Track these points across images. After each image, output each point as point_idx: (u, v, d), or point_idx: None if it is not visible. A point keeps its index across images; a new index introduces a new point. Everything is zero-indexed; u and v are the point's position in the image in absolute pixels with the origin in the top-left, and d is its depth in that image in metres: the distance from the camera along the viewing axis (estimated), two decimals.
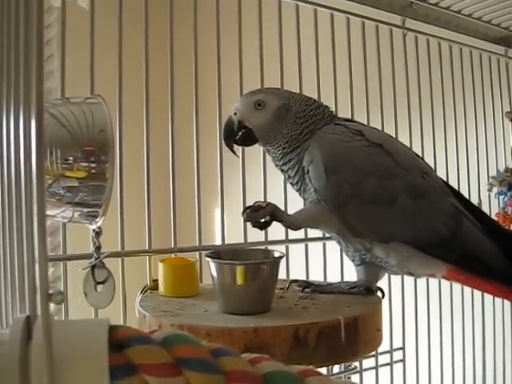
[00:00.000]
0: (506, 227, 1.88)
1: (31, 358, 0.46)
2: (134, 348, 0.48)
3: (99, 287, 1.16)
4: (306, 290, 1.24)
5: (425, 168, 1.24)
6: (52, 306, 0.48)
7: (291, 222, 1.23)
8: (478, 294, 1.81)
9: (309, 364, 0.92)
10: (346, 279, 1.59)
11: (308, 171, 1.19)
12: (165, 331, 0.52)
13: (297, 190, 1.26)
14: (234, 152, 1.30)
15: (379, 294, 1.26)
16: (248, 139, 1.26)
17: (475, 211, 1.24)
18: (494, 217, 1.88)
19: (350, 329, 1.02)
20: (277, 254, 1.15)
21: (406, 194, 1.16)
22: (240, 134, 1.25)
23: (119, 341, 0.49)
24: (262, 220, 1.21)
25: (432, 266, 1.19)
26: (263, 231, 1.47)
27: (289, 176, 1.25)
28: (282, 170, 1.26)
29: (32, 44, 0.53)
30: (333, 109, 1.33)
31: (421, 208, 1.16)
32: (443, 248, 1.16)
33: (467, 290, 1.80)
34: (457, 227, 1.17)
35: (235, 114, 1.25)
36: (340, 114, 1.35)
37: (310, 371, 0.57)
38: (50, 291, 0.48)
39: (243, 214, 1.22)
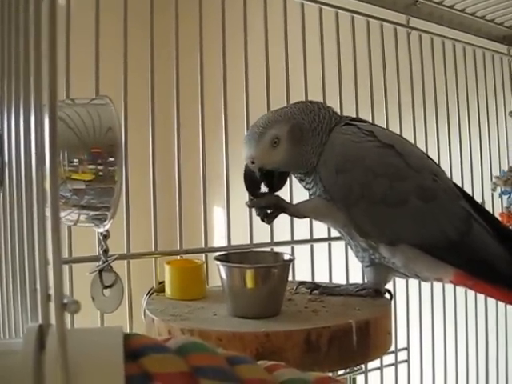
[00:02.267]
0: (511, 227, 1.87)
1: (45, 368, 0.45)
2: (149, 357, 0.47)
3: (106, 291, 1.15)
4: (315, 292, 1.23)
5: (436, 170, 1.23)
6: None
7: (296, 210, 1.23)
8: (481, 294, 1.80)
9: (320, 368, 0.92)
10: (351, 280, 1.58)
11: (319, 171, 1.18)
12: (180, 339, 0.51)
13: (311, 194, 1.25)
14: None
15: (387, 295, 1.25)
16: (283, 179, 1.25)
17: (485, 214, 1.22)
18: (497, 216, 1.87)
19: (361, 332, 1.01)
20: (286, 257, 1.14)
21: (416, 196, 1.14)
22: (274, 181, 1.22)
23: (134, 350, 0.48)
24: (268, 211, 1.22)
25: (439, 269, 1.18)
26: (268, 233, 1.47)
27: (306, 182, 1.24)
28: (302, 180, 1.25)
29: (41, 41, 0.51)
30: (337, 107, 1.32)
31: (431, 211, 1.15)
32: (452, 252, 1.15)
33: (471, 290, 1.80)
34: (467, 231, 1.15)
35: (252, 162, 1.20)
36: (345, 113, 1.34)
37: (326, 378, 0.56)
38: (65, 300, 0.47)
39: (247, 201, 1.22)
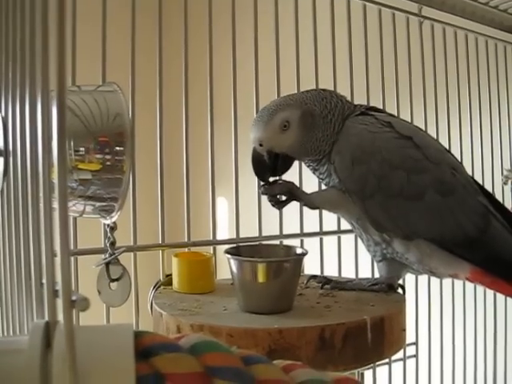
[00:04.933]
0: None
1: (52, 368, 0.43)
2: (161, 356, 0.45)
3: (113, 284, 1.12)
4: (326, 286, 1.20)
5: (455, 164, 1.20)
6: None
7: (309, 200, 1.20)
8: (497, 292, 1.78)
9: (334, 367, 0.90)
10: (361, 274, 1.56)
11: (334, 161, 1.15)
12: (193, 338, 0.49)
13: (325, 185, 1.22)
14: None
15: (400, 291, 1.22)
16: (287, 164, 1.20)
17: (502, 211, 1.19)
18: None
19: (376, 329, 0.98)
20: (299, 251, 1.11)
21: (434, 189, 1.11)
22: (278, 163, 1.17)
23: (145, 348, 0.46)
24: (281, 198, 1.19)
25: (455, 266, 1.15)
26: (276, 225, 1.44)
27: (320, 173, 1.21)
28: (315, 170, 1.22)
29: (48, 25, 0.49)
30: (348, 96, 1.29)
31: (449, 205, 1.12)
32: (470, 248, 1.12)
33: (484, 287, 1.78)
34: (485, 227, 1.13)
35: (260, 145, 1.16)
36: (356, 102, 1.31)
37: (345, 379, 0.54)
38: (74, 297, 0.44)
39: (260, 188, 1.19)
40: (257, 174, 1.20)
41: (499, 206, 1.20)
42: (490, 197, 1.21)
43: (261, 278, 1.01)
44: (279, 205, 1.21)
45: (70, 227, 0.44)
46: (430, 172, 1.13)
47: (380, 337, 0.99)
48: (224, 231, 1.39)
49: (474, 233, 1.12)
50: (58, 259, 0.45)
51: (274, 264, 1.03)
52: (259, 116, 1.17)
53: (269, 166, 1.17)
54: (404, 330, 1.09)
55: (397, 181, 1.11)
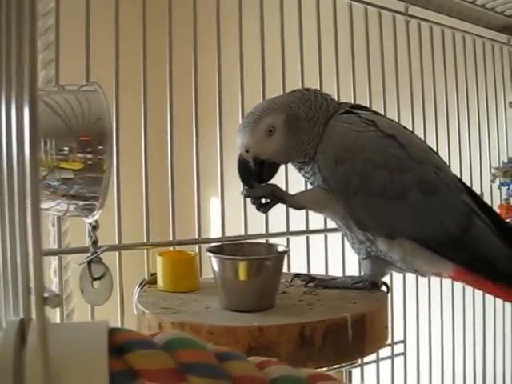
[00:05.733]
0: (510, 219, 1.85)
1: (25, 364, 0.43)
2: (135, 353, 0.45)
3: (96, 283, 1.12)
4: (310, 284, 1.20)
5: (438, 163, 1.20)
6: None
7: (294, 201, 1.20)
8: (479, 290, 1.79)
9: (315, 364, 0.90)
10: (348, 272, 1.56)
11: (318, 160, 1.15)
12: (167, 334, 0.49)
13: (311, 184, 1.22)
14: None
15: (384, 288, 1.23)
16: (272, 171, 1.20)
17: (486, 209, 1.20)
18: (496, 208, 1.85)
19: (357, 327, 0.99)
20: (281, 249, 1.12)
21: (417, 189, 1.12)
22: (263, 170, 1.17)
23: (119, 345, 0.46)
24: (264, 201, 1.19)
25: (439, 264, 1.15)
26: (263, 224, 1.45)
27: (305, 172, 1.21)
28: (301, 169, 1.22)
29: (24, 25, 0.49)
30: (335, 96, 1.30)
31: (431, 204, 1.12)
32: (452, 247, 1.12)
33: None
34: (468, 226, 1.13)
35: (247, 151, 1.15)
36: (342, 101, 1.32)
37: (320, 375, 0.54)
38: (46, 294, 0.45)
39: (243, 191, 1.19)
40: (243, 180, 1.19)
41: (485, 206, 1.21)
42: (473, 195, 1.21)
43: (242, 276, 1.01)
44: (264, 208, 1.20)
45: (41, 225, 0.44)
46: (413, 171, 1.13)
47: (361, 334, 1.00)
48: (217, 231, 1.39)
49: (457, 231, 1.12)
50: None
51: (255, 262, 1.03)
52: (245, 122, 1.17)
53: (255, 172, 1.17)
54: (386, 327, 1.10)
55: (380, 180, 1.11)
